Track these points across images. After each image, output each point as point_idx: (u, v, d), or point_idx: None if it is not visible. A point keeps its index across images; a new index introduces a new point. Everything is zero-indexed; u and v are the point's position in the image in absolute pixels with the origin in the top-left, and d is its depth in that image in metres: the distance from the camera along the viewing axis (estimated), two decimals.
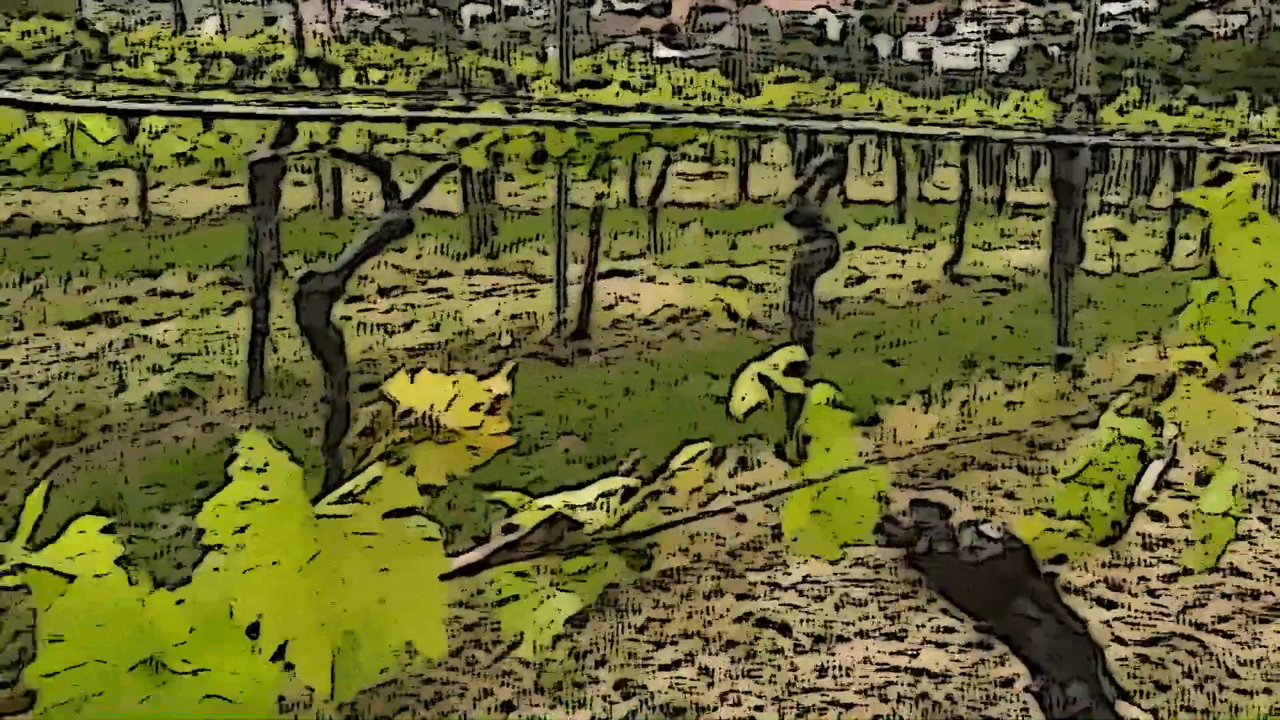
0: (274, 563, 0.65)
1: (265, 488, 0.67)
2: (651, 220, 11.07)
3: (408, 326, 7.68)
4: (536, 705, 3.74)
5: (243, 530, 0.68)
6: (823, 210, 4.94)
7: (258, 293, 6.24)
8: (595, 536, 0.89)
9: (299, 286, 3.56)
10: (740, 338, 7.87)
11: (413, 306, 8.26)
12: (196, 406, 6.23)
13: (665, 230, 11.27)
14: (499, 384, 0.68)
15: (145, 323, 7.74)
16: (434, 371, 0.72)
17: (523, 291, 8.90)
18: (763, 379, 1.29)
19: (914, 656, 3.88)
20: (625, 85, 8.88)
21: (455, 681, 3.72)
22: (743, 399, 1.28)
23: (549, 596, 0.87)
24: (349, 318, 7.41)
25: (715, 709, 3.55)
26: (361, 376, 6.28)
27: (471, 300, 8.55)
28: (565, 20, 7.81)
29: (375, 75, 13.84)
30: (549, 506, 0.89)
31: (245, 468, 0.69)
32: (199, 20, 25.50)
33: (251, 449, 0.70)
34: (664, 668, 3.86)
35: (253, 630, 0.67)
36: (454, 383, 0.67)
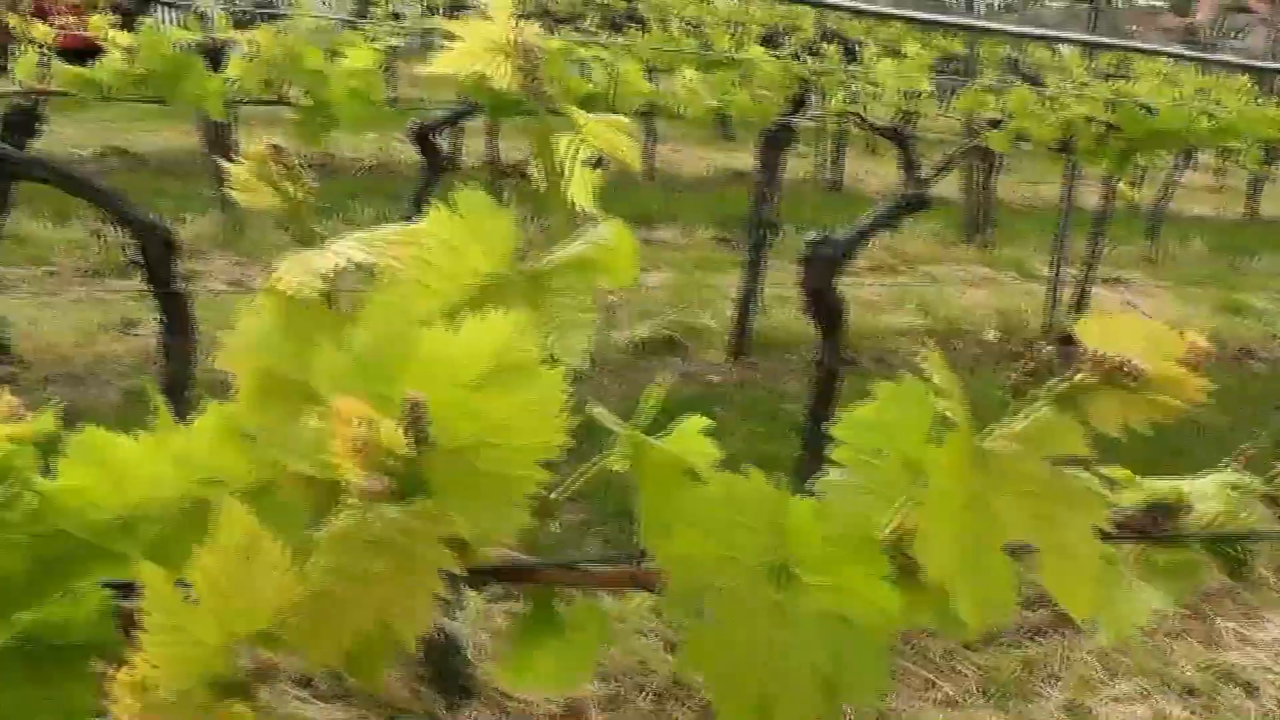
0: (938, 491, 0.65)
1: (946, 416, 0.67)
2: (1152, 230, 10.50)
3: (895, 307, 7.63)
4: (979, 707, 3.65)
5: (878, 453, 0.68)
6: None
7: (753, 254, 6.39)
8: (1191, 534, 0.84)
9: (810, 250, 3.59)
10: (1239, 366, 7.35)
11: (901, 288, 8.20)
12: (679, 355, 6.47)
13: (1164, 242, 10.66)
14: (1199, 340, 0.64)
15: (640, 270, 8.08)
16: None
17: (1012, 288, 8.66)
18: None
19: None
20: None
21: (900, 668, 3.68)
22: None
23: (1133, 588, 0.82)
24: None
25: None
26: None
27: (960, 291, 8.39)
28: (1095, 14, 7.55)
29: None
30: (1155, 491, 0.85)
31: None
32: None
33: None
34: (1116, 700, 3.68)
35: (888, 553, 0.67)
36: (1148, 330, 0.64)
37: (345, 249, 0.66)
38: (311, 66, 3.20)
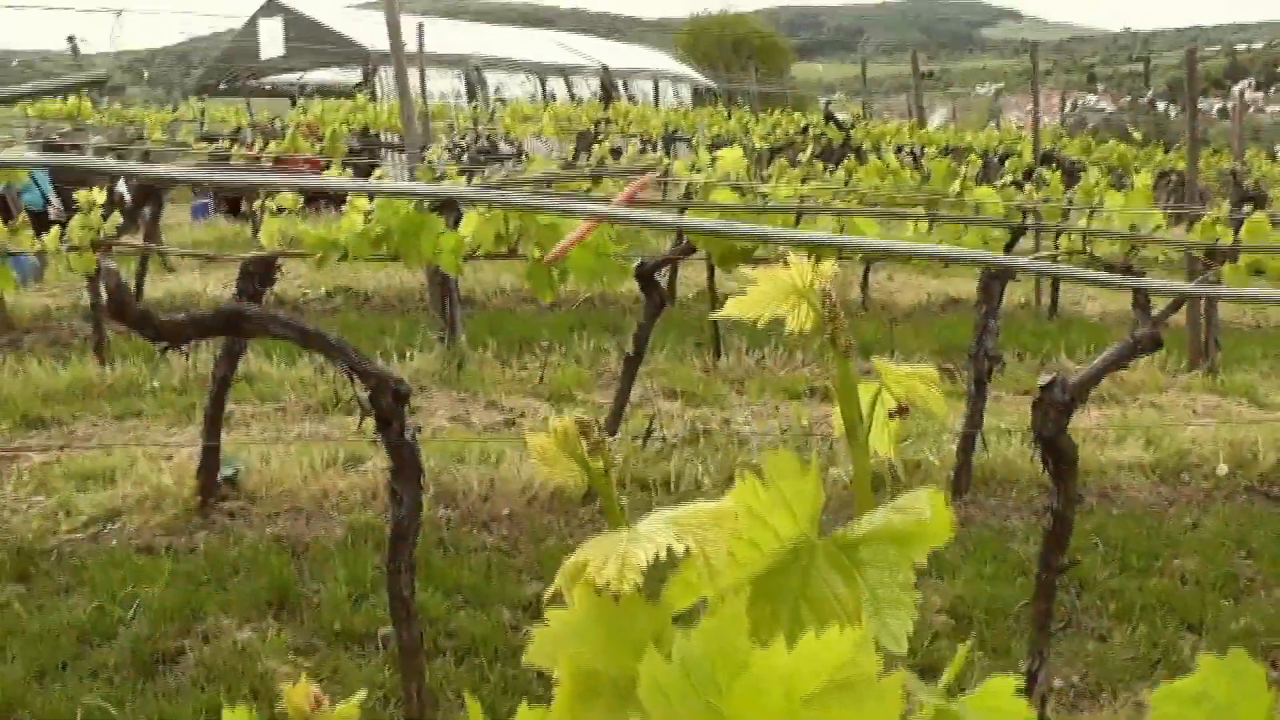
0: None
1: None
2: None
3: (1119, 440, 7.36)
4: None
5: None
6: None
7: (976, 387, 6.26)
8: None
9: (1040, 394, 3.49)
10: None
11: (1125, 419, 7.91)
12: (898, 491, 6.34)
13: None
14: None
15: None
16: None
17: (1243, 416, 8.28)
18: None
19: None
20: None
21: None
22: None
23: None
24: None
25: None
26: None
27: (1187, 421, 8.06)
28: None
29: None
30: None
31: None
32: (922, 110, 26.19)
33: None
34: None
35: None
36: None
37: (659, 535, 0.64)
38: (544, 220, 3.27)
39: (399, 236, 3.41)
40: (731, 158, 4.27)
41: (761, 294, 0.75)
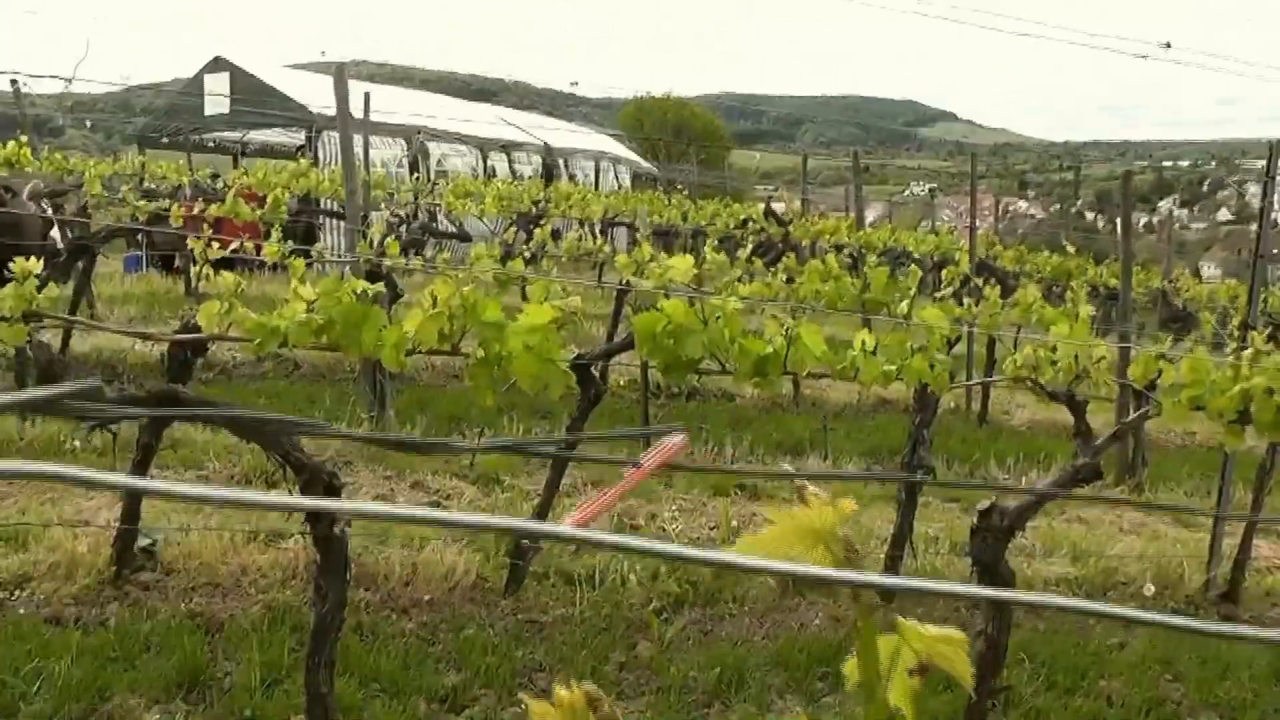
0: None
1: None
2: None
3: (1047, 554, 7.37)
4: None
5: None
6: None
7: (907, 495, 6.25)
8: None
9: (979, 520, 3.47)
10: None
11: (1053, 532, 7.93)
12: (826, 596, 6.29)
13: None
14: None
15: (784, 501, 7.96)
16: None
17: (1169, 536, 8.32)
18: None
19: None
20: None
21: None
22: None
23: None
24: None
25: None
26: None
27: (1115, 537, 8.09)
28: None
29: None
30: None
31: None
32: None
33: None
34: None
35: None
36: None
37: None
38: (490, 319, 3.20)
39: (341, 327, 3.33)
40: (682, 267, 4.24)
41: (779, 534, 0.71)
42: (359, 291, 3.44)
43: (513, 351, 3.18)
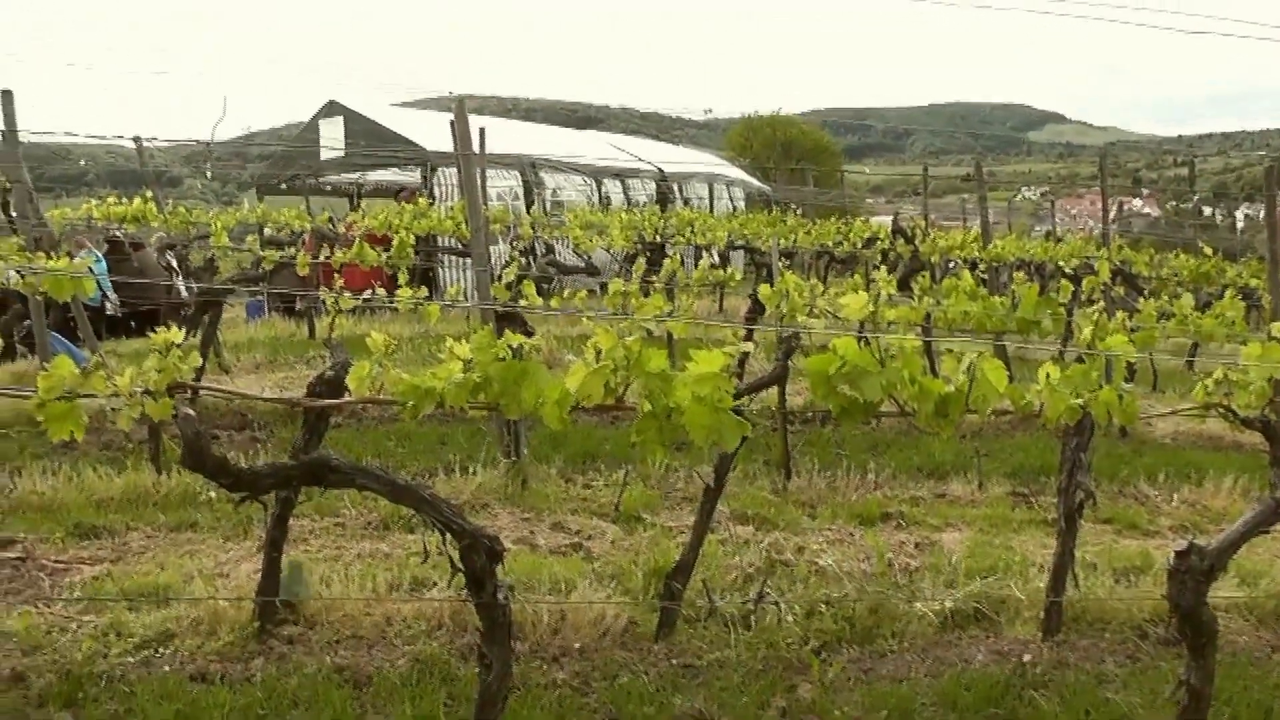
0: None
1: None
2: None
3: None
4: None
5: None
6: None
7: (1067, 523, 5.96)
8: None
9: (1175, 561, 3.22)
10: None
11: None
12: (987, 629, 6.01)
13: None
14: None
15: (934, 528, 7.70)
16: None
17: None
18: None
19: None
20: None
21: None
22: None
23: None
24: None
25: None
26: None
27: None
28: None
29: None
30: None
31: None
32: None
33: None
34: None
35: None
36: None
37: None
38: (654, 369, 3.03)
39: (499, 385, 3.18)
40: (856, 305, 4.03)
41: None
42: (515, 346, 3.31)
43: (681, 403, 3.00)
